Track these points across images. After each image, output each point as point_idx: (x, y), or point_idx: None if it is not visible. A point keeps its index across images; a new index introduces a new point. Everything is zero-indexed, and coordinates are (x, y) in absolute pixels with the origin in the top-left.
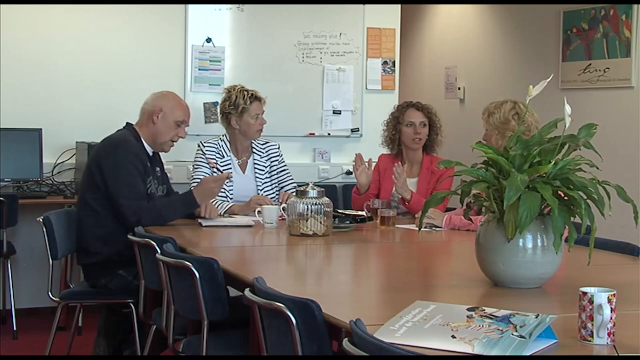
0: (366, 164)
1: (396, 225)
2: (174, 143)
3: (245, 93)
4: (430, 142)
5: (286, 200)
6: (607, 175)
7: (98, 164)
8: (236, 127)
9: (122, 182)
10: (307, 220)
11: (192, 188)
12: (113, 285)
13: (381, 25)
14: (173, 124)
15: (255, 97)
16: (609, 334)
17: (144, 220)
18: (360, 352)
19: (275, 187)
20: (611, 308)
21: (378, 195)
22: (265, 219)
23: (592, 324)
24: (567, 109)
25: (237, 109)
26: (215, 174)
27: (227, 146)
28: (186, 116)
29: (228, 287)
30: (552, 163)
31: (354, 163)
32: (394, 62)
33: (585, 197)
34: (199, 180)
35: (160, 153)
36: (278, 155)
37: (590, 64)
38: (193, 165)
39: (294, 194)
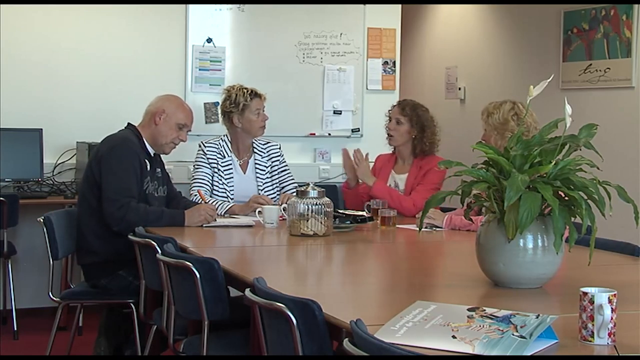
0: (353, 157)
1: (396, 225)
2: (175, 145)
3: (245, 90)
4: (419, 144)
5: (286, 201)
6: (608, 176)
7: (98, 161)
8: (238, 126)
9: (115, 178)
10: (307, 221)
11: (187, 208)
12: (113, 286)
13: (382, 26)
14: (175, 126)
15: (255, 94)
16: (609, 334)
17: (128, 217)
18: (361, 352)
19: (276, 187)
20: (612, 308)
21: None
22: (265, 219)
23: (593, 324)
24: (568, 109)
25: (238, 107)
26: (216, 174)
27: (228, 146)
28: (188, 120)
29: (228, 287)
30: (553, 163)
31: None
32: (394, 63)
33: (585, 197)
34: (199, 181)
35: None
36: (279, 155)
37: (590, 64)
38: (194, 166)
39: (295, 194)
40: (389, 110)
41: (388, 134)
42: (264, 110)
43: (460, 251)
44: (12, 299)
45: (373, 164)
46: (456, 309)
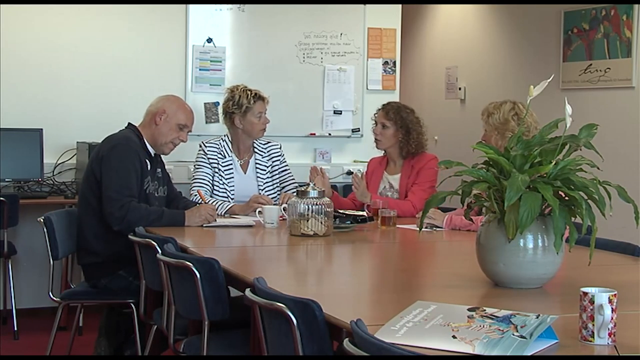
0: (321, 173)
1: (396, 225)
2: (175, 146)
3: (249, 92)
4: (406, 146)
5: (286, 201)
6: (608, 176)
7: (98, 161)
8: (239, 127)
9: (116, 178)
10: (307, 221)
11: (186, 210)
12: (114, 286)
13: (382, 26)
14: (175, 126)
15: (258, 97)
16: (609, 335)
17: (129, 216)
18: (361, 352)
19: (277, 187)
20: (612, 308)
21: None
22: (266, 219)
23: (593, 324)
24: (568, 109)
25: (241, 109)
26: (216, 174)
27: (228, 146)
28: (189, 120)
29: (229, 287)
30: (553, 163)
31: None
32: (394, 63)
33: (586, 197)
34: (200, 181)
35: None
36: (280, 155)
37: (591, 64)
38: (194, 166)
39: (295, 194)
40: (375, 114)
41: (375, 139)
42: (265, 113)
43: (460, 251)
44: (12, 298)
45: (366, 168)
46: (456, 309)
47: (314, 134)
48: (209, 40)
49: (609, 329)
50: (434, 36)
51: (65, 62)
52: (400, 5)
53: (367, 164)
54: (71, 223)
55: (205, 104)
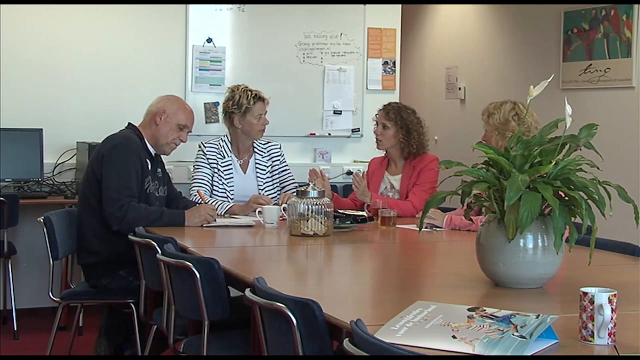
0: (320, 175)
1: (396, 225)
2: (176, 146)
3: (249, 93)
4: (406, 147)
5: (286, 201)
6: (608, 176)
7: (99, 161)
8: (238, 127)
9: (116, 177)
10: (307, 221)
11: (186, 210)
12: (114, 286)
13: (382, 26)
14: (175, 126)
15: (258, 98)
16: (609, 334)
17: (129, 216)
18: (361, 352)
19: (277, 187)
20: (612, 308)
21: None
22: (265, 219)
23: (593, 324)
24: (568, 109)
25: (240, 109)
26: (216, 174)
27: (228, 146)
28: (189, 121)
29: (229, 287)
30: (553, 163)
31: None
32: (394, 62)
33: (585, 197)
34: (199, 181)
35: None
36: (279, 155)
37: (590, 64)
38: (194, 166)
39: (295, 194)
40: (376, 115)
41: (376, 139)
42: (265, 115)
43: (460, 251)
44: (12, 299)
45: (367, 169)
46: (456, 309)
47: (314, 134)
48: (209, 40)
49: (608, 329)
50: (434, 36)
51: (65, 62)
52: (400, 5)
53: (368, 164)
54: (71, 223)
55: (205, 104)
